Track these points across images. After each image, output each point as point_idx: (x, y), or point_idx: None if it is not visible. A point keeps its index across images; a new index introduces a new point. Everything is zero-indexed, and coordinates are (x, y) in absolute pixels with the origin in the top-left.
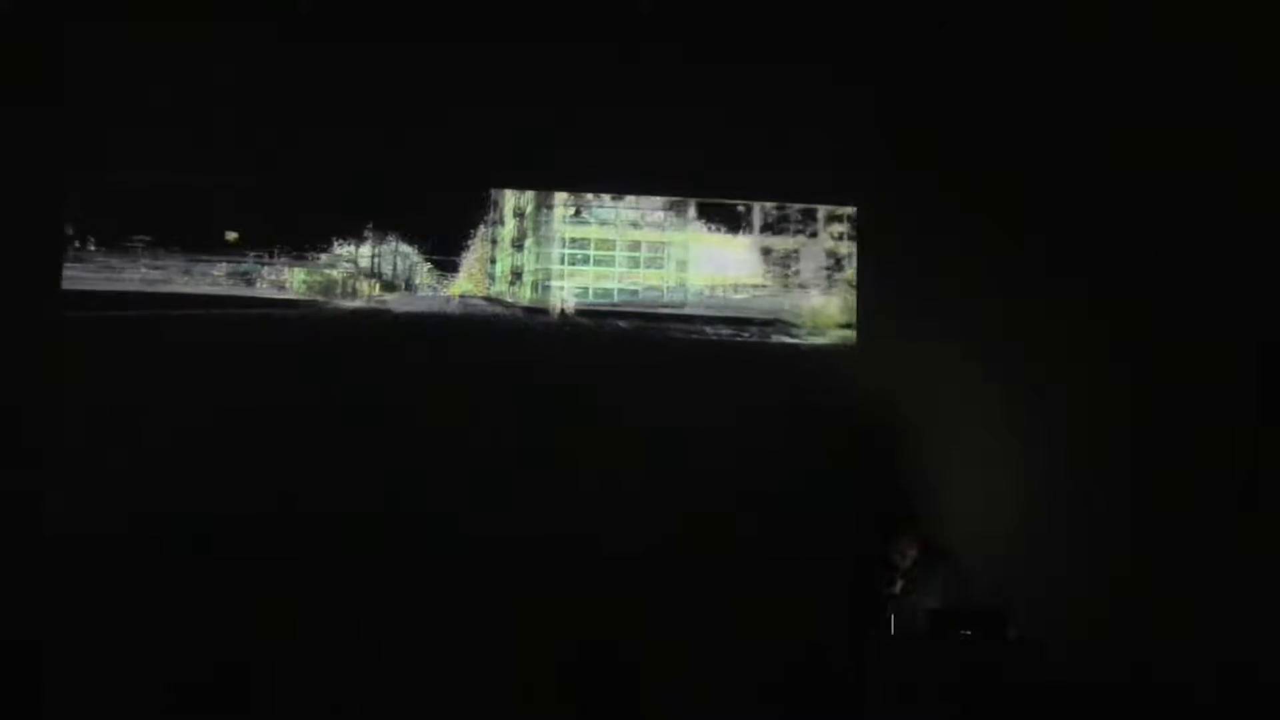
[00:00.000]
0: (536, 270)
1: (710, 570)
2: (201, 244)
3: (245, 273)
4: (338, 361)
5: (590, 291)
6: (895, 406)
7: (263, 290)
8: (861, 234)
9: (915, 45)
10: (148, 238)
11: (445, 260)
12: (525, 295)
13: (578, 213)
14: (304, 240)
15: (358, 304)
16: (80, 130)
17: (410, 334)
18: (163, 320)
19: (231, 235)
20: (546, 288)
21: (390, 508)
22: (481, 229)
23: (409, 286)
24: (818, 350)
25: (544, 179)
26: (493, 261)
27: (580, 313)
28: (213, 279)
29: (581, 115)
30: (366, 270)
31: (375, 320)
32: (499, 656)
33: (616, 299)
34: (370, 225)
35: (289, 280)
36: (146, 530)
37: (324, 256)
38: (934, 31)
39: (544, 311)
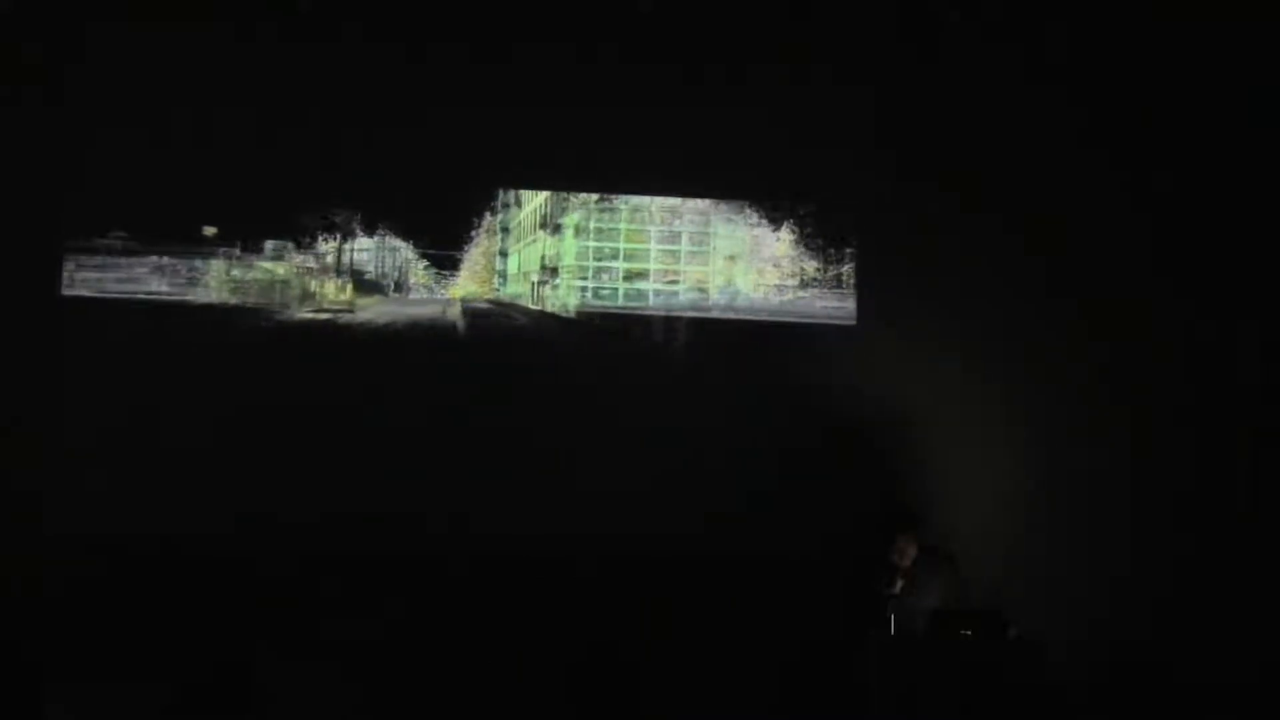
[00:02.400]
0: (586, 266)
1: (710, 570)
2: (179, 239)
3: (192, 269)
4: (331, 363)
5: (620, 293)
6: (895, 406)
7: (169, 290)
8: (862, 234)
9: (916, 46)
10: (124, 234)
11: (444, 255)
12: (570, 301)
13: (600, 199)
14: (287, 234)
15: (308, 314)
16: (80, 130)
17: (389, 357)
18: (162, 321)
19: (210, 230)
20: (601, 293)
21: (390, 509)
22: (488, 217)
23: (399, 288)
24: (818, 350)
25: (540, 178)
26: (503, 255)
27: (699, 327)
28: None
29: (581, 115)
30: (342, 267)
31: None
32: (499, 656)
33: (652, 301)
34: (359, 215)
35: (210, 278)
36: (146, 530)
37: (269, 246)
38: (934, 32)
39: (614, 329)
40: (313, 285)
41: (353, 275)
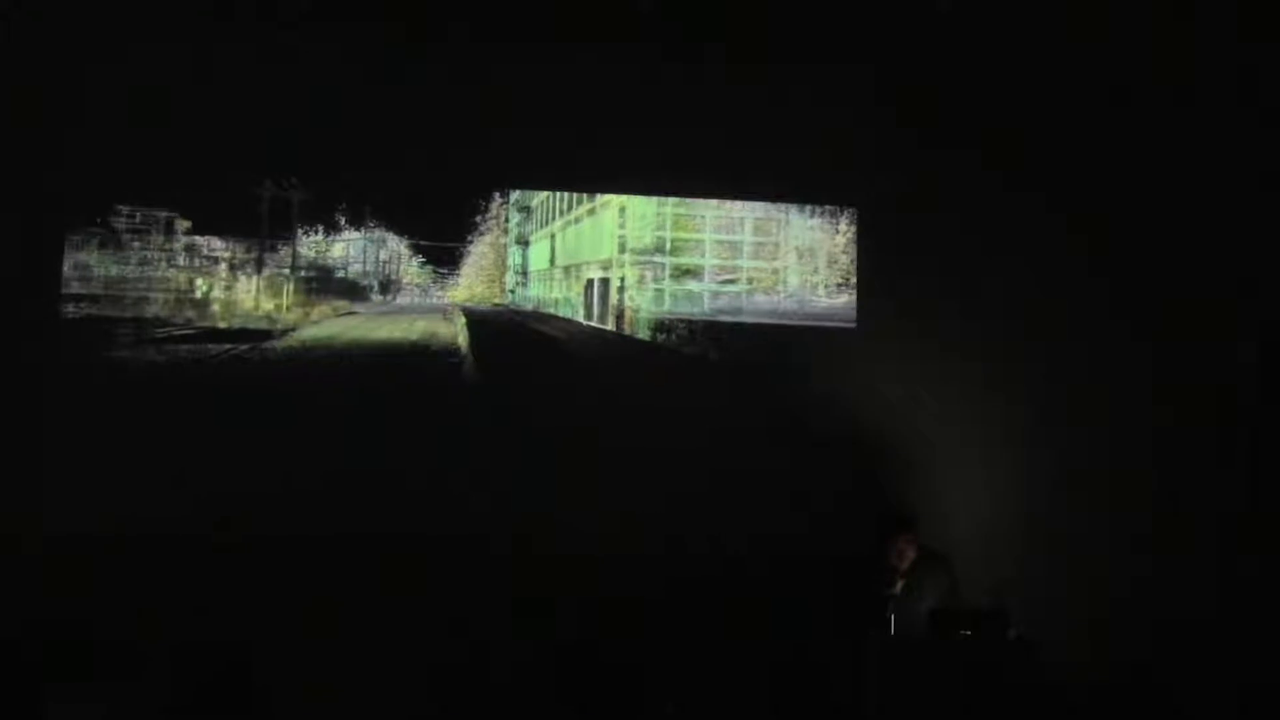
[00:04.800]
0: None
1: (709, 570)
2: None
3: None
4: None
5: (666, 296)
6: (895, 407)
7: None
8: (861, 234)
9: (916, 44)
10: (107, 231)
11: (440, 248)
12: (693, 302)
13: None
14: (274, 230)
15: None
16: (79, 128)
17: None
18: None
19: (184, 224)
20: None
21: (389, 510)
22: (496, 198)
23: (386, 289)
24: (817, 351)
25: (539, 178)
26: (522, 244)
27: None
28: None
29: (580, 115)
30: (268, 261)
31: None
32: (498, 657)
33: (707, 308)
34: (343, 206)
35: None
36: (146, 530)
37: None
38: (935, 31)
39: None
40: (215, 289)
41: (298, 273)
